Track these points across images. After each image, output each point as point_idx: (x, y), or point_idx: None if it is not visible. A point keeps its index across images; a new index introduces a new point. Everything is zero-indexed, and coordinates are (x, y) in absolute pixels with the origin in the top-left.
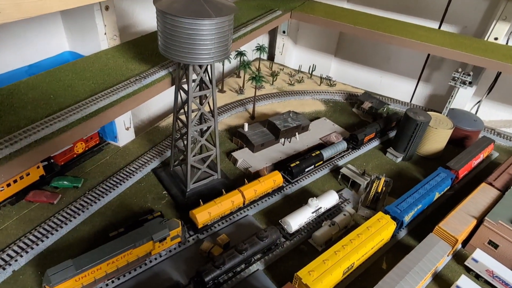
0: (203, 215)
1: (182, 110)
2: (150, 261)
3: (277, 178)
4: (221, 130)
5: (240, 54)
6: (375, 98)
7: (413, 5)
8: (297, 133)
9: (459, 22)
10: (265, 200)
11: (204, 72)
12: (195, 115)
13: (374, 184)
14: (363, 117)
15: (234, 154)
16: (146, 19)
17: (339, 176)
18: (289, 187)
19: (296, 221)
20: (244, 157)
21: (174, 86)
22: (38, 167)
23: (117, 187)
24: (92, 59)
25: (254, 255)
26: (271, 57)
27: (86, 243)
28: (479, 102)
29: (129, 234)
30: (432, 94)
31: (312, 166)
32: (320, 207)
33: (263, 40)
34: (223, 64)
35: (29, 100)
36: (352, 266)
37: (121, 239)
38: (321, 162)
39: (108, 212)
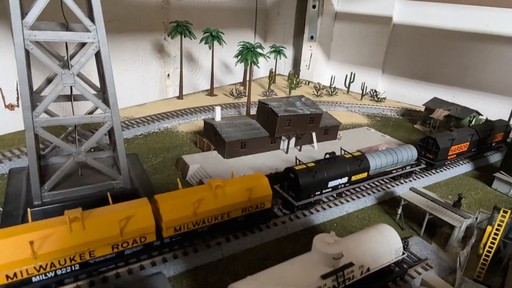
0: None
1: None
2: None
3: (263, 182)
4: (187, 132)
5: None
6: (453, 104)
7: None
8: (314, 135)
9: None
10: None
11: None
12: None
13: (489, 228)
14: (433, 134)
15: (186, 157)
16: None
17: (399, 209)
18: (284, 221)
19: None
20: (204, 164)
21: None
22: None
23: None
24: None
25: None
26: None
27: None
28: None
29: None
30: None
31: (346, 179)
32: (352, 264)
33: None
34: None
35: None
36: None
37: None
38: (366, 175)
39: None
